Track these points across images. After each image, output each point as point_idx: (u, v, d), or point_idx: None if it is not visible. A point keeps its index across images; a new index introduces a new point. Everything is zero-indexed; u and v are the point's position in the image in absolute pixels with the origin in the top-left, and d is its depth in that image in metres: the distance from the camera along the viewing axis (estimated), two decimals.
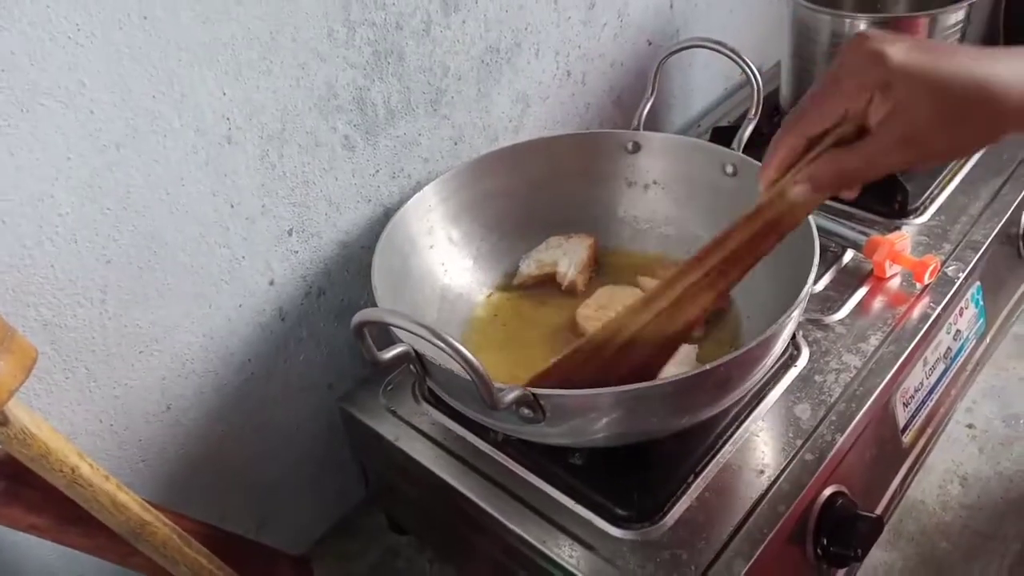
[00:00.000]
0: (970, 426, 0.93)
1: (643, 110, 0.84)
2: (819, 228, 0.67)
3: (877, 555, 0.81)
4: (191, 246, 0.65)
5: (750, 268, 0.58)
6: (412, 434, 0.73)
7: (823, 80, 0.50)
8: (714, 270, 0.58)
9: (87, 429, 0.64)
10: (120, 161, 0.58)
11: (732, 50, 0.77)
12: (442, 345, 0.50)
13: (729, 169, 0.78)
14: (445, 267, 0.81)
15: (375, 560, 0.87)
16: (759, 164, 0.74)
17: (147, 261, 0.62)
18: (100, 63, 0.55)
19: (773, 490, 0.65)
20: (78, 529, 0.58)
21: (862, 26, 0.93)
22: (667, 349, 0.64)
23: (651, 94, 0.84)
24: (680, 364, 0.69)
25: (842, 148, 0.49)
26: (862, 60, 0.47)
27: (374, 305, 0.66)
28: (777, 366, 0.73)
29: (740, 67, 0.76)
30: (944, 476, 0.88)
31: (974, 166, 0.97)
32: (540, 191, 0.85)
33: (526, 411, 0.56)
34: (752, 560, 0.60)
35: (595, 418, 0.59)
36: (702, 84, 1.16)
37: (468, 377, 0.52)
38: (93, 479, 0.55)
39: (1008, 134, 0.46)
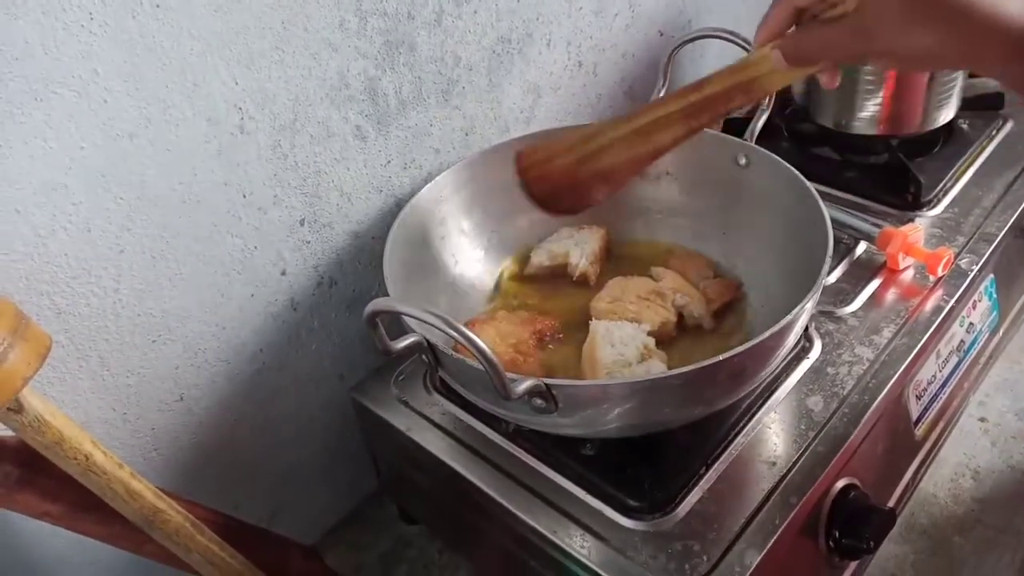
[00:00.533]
0: (982, 420, 0.92)
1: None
2: (832, 220, 0.67)
3: (889, 548, 0.81)
4: (204, 236, 0.65)
5: (718, 116, 0.62)
6: (423, 424, 0.73)
7: None
8: (689, 106, 0.62)
9: (100, 417, 0.64)
10: (133, 151, 0.58)
11: (745, 40, 0.77)
12: (455, 334, 0.50)
13: (742, 160, 0.78)
14: (456, 258, 0.81)
15: (386, 550, 0.87)
16: (772, 155, 0.74)
17: (160, 251, 0.62)
18: (113, 52, 0.55)
19: (785, 482, 0.64)
20: (92, 516, 0.59)
21: None
22: (634, 164, 0.66)
23: (663, 84, 0.84)
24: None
25: (821, 22, 0.54)
26: None
27: (385, 295, 0.66)
28: (789, 358, 0.73)
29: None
30: (956, 469, 0.88)
31: (988, 158, 0.97)
32: None
33: (538, 401, 0.56)
34: (764, 551, 0.60)
35: (607, 408, 0.58)
36: None
37: (481, 367, 0.52)
38: (107, 467, 0.55)
39: (977, 61, 0.49)
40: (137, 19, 0.55)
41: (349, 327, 0.80)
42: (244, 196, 0.66)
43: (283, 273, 0.72)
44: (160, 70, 0.58)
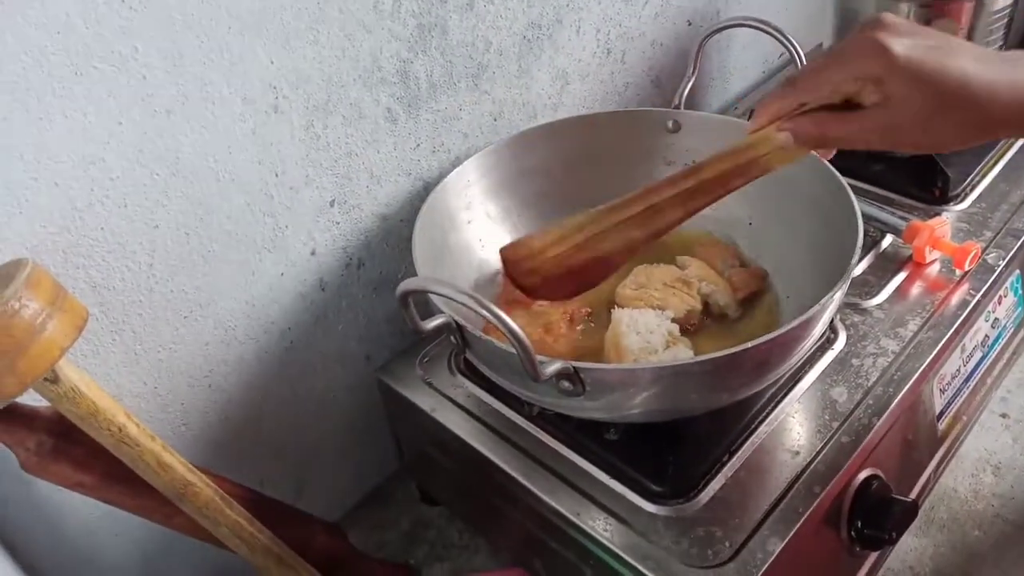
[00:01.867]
0: (1004, 415, 0.92)
1: (684, 89, 0.84)
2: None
3: (908, 541, 0.81)
4: (236, 214, 0.65)
5: (716, 199, 0.62)
6: (448, 406, 0.74)
7: (827, 54, 0.52)
8: (685, 192, 0.61)
9: (132, 391, 0.65)
10: (170, 127, 0.59)
11: (776, 29, 0.77)
12: (487, 314, 0.50)
13: None
14: (483, 242, 0.81)
15: (406, 529, 0.88)
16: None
17: (194, 227, 0.63)
18: (153, 29, 0.55)
19: (808, 471, 0.65)
20: (124, 488, 0.60)
21: (904, 9, 0.92)
22: (630, 249, 0.66)
23: (692, 73, 0.84)
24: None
25: (830, 113, 0.53)
26: (867, 48, 0.49)
27: (413, 277, 0.66)
28: (814, 349, 0.73)
29: (784, 46, 0.76)
30: (977, 465, 0.88)
31: (1016, 153, 0.96)
32: (578, 169, 0.84)
33: (566, 384, 0.56)
34: (786, 539, 0.60)
35: (634, 393, 0.59)
36: (740, 65, 1.16)
37: (510, 348, 0.53)
38: (140, 439, 0.56)
39: (995, 137, 0.51)
40: None
41: (376, 308, 0.81)
42: (276, 175, 0.67)
43: (313, 253, 0.73)
44: (198, 48, 0.58)
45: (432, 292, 0.53)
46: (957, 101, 0.48)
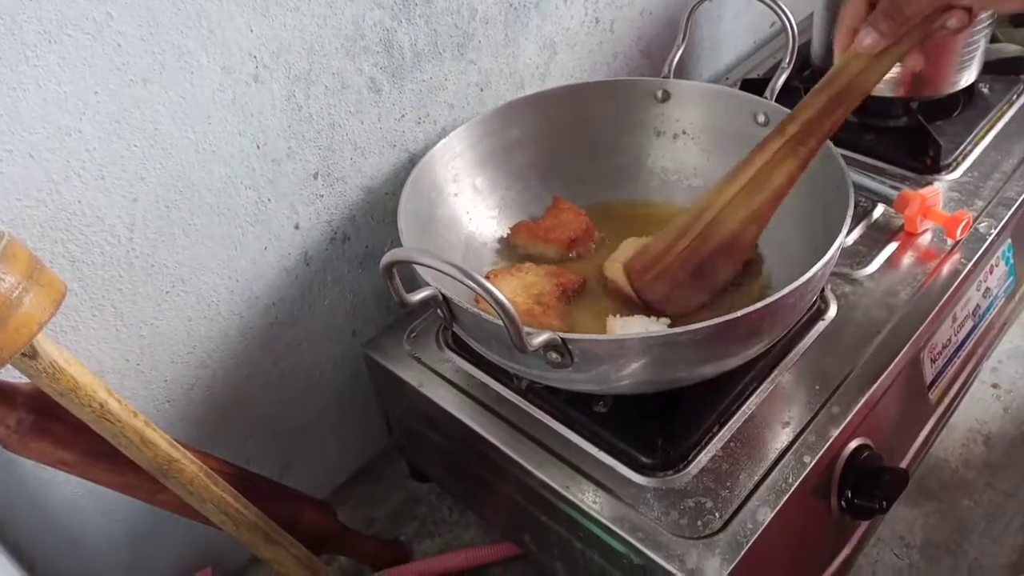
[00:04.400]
0: (995, 385, 0.92)
1: (673, 58, 0.82)
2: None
3: (898, 510, 0.81)
4: (217, 186, 0.64)
5: (825, 137, 0.61)
6: (436, 380, 0.73)
7: None
8: (792, 139, 0.61)
9: (113, 367, 0.64)
10: (147, 97, 0.57)
11: None
12: (473, 285, 0.49)
13: (761, 119, 0.77)
14: (470, 215, 0.80)
15: (396, 506, 0.87)
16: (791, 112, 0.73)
17: (173, 200, 0.62)
18: None
19: (799, 441, 0.64)
20: (106, 465, 0.59)
21: None
22: (757, 220, 0.64)
23: (682, 41, 0.82)
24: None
25: None
26: None
27: None
28: (805, 319, 0.72)
29: (776, 14, 0.74)
30: (967, 435, 0.88)
31: (1007, 123, 0.95)
32: (566, 140, 0.83)
33: (554, 355, 0.56)
34: (776, 509, 0.60)
35: (622, 364, 0.58)
36: (731, 36, 1.14)
37: (497, 320, 0.52)
38: (122, 415, 0.55)
39: None
40: None
41: (362, 283, 0.80)
42: (258, 147, 0.66)
43: (296, 227, 0.72)
44: (175, 15, 0.57)
45: (417, 263, 0.52)
46: None
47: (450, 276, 0.50)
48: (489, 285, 0.49)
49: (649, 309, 0.70)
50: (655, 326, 0.68)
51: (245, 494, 0.65)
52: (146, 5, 0.55)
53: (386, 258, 0.52)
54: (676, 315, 0.70)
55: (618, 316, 0.70)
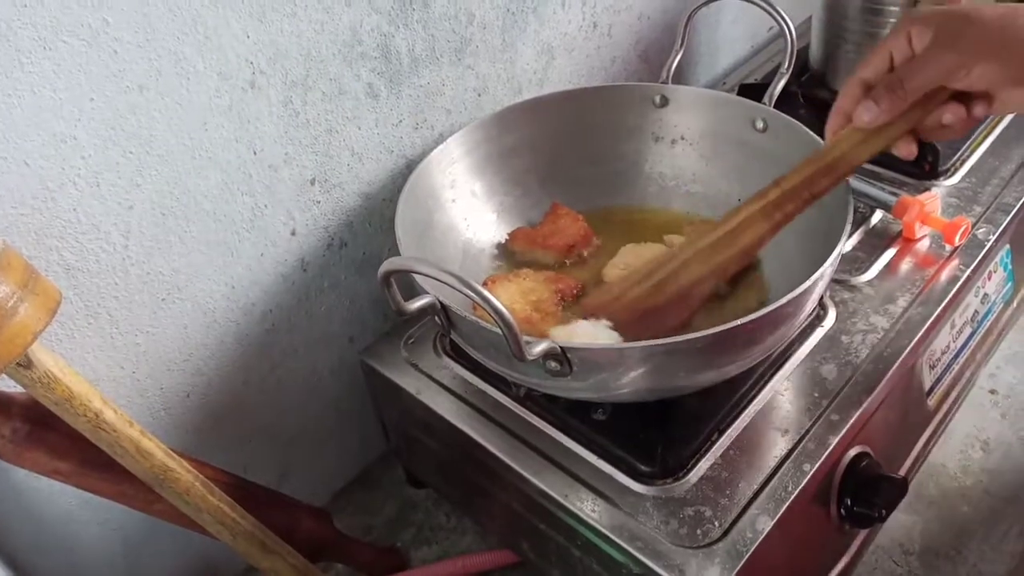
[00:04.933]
0: (993, 391, 0.92)
1: (672, 63, 0.82)
2: None
3: (897, 518, 0.81)
4: (214, 193, 0.64)
5: (806, 205, 0.62)
6: (433, 387, 0.73)
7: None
8: (770, 204, 0.63)
9: (109, 376, 0.64)
10: (143, 104, 0.57)
11: (767, 3, 0.75)
12: (471, 293, 0.49)
13: (759, 124, 0.77)
14: (468, 221, 0.80)
15: (393, 513, 0.87)
16: (791, 120, 0.73)
17: (169, 207, 0.62)
18: (123, 1, 0.53)
19: (798, 449, 0.64)
20: (102, 475, 0.58)
21: None
22: (719, 272, 0.66)
23: (680, 46, 0.82)
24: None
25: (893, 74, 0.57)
26: (900, 21, 0.56)
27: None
28: (804, 326, 0.72)
29: (774, 19, 0.74)
30: (966, 441, 0.88)
31: (1005, 128, 0.95)
32: (564, 145, 0.83)
33: (553, 364, 0.55)
34: (776, 518, 0.60)
35: (622, 372, 0.58)
36: (729, 40, 1.14)
37: (496, 329, 0.52)
38: (117, 424, 0.55)
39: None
40: None
41: (359, 289, 0.79)
42: (255, 153, 0.65)
43: (293, 233, 0.71)
44: (171, 21, 0.56)
45: (414, 272, 0.52)
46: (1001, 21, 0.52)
47: (448, 285, 0.50)
48: (487, 294, 0.49)
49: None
50: (602, 333, 0.68)
51: (242, 503, 0.65)
52: (142, 11, 0.54)
53: (384, 267, 0.52)
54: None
55: (562, 326, 0.70)
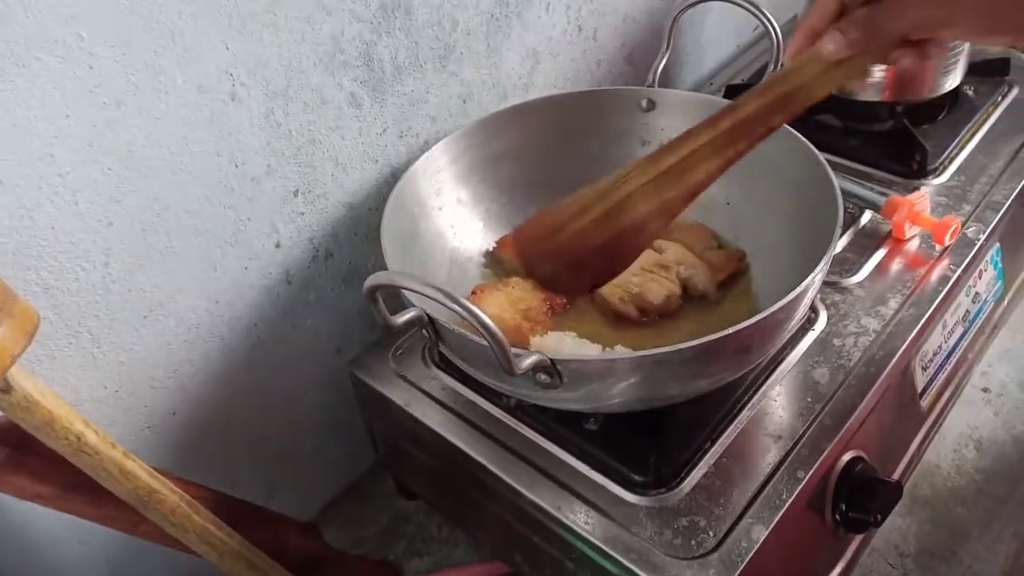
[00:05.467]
0: (985, 390, 0.92)
1: (658, 66, 0.81)
2: None
3: (892, 520, 0.80)
4: (195, 207, 0.63)
5: (757, 141, 0.56)
6: (423, 399, 0.72)
7: None
8: (722, 134, 0.56)
9: (92, 396, 0.63)
10: (121, 119, 0.56)
11: (752, 4, 0.75)
12: (459, 309, 0.48)
13: None
14: (455, 229, 0.79)
15: (385, 525, 0.86)
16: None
17: (150, 223, 0.60)
18: (99, 15, 0.52)
19: (792, 455, 0.64)
20: (85, 497, 0.57)
21: None
22: (666, 211, 0.59)
23: (666, 49, 0.82)
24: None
25: (875, 6, 0.49)
26: None
27: (383, 268, 0.64)
28: (795, 330, 0.71)
29: (761, 23, 0.74)
30: (959, 440, 0.87)
31: (993, 125, 0.95)
32: (551, 151, 0.82)
33: (543, 376, 0.55)
34: (771, 526, 0.59)
35: (613, 383, 0.57)
36: (714, 40, 1.14)
37: (484, 342, 0.51)
38: (100, 447, 0.54)
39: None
40: None
41: (346, 300, 0.78)
42: (236, 166, 0.64)
43: (277, 245, 0.70)
44: (148, 34, 0.55)
45: (400, 287, 0.51)
46: None
47: (434, 300, 0.49)
48: (474, 308, 0.48)
49: (536, 282, 0.64)
50: (581, 346, 0.67)
51: (228, 521, 0.64)
52: (118, 25, 0.53)
53: (369, 282, 0.51)
54: (561, 295, 0.64)
55: (538, 336, 0.68)
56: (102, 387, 0.63)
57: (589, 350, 0.66)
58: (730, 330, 0.54)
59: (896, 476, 0.75)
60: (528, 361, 0.52)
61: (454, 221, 0.79)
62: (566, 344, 0.66)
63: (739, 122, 0.56)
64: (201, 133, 0.61)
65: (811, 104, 0.54)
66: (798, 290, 0.56)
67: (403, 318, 0.56)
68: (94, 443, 0.53)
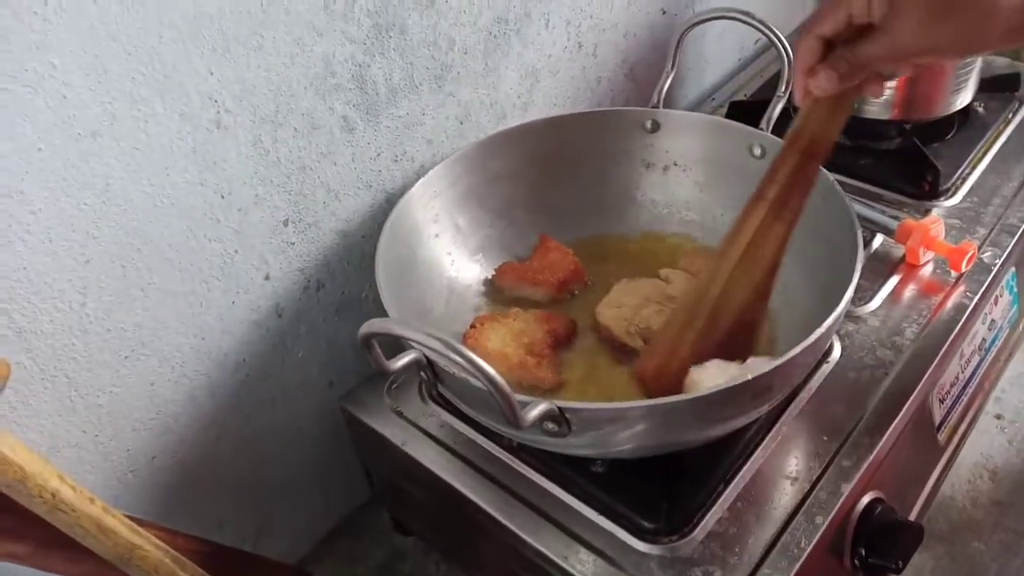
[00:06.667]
0: (999, 416, 0.89)
1: (663, 86, 0.78)
2: None
3: None
4: (178, 241, 0.59)
5: (807, 192, 0.60)
6: (419, 437, 0.68)
7: None
8: (776, 201, 0.60)
9: (69, 441, 0.59)
10: (97, 151, 0.52)
11: (761, 22, 0.72)
12: (461, 360, 0.45)
13: (757, 151, 0.73)
14: (452, 257, 0.75)
15: (380, 561, 0.83)
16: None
17: (130, 259, 0.57)
18: (72, 42, 0.49)
19: (809, 499, 0.61)
20: (63, 554, 0.54)
21: None
22: (761, 294, 0.62)
23: (671, 68, 0.78)
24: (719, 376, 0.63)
25: (849, 43, 0.54)
26: None
27: (377, 297, 0.61)
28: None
29: (771, 42, 0.71)
30: (973, 470, 0.84)
31: (1005, 143, 0.92)
32: (552, 173, 0.79)
33: (551, 426, 0.51)
34: None
35: (623, 429, 0.54)
36: (717, 55, 1.11)
37: (488, 391, 0.47)
38: (76, 503, 0.50)
39: (993, 45, 0.50)
40: (98, 4, 0.49)
41: (339, 332, 0.75)
42: (222, 197, 0.61)
43: (267, 277, 0.67)
44: (125, 60, 0.52)
45: (396, 335, 0.47)
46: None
47: (433, 350, 0.46)
48: (479, 360, 0.45)
49: None
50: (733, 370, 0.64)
51: (216, 572, 0.60)
52: (93, 52, 0.50)
53: (363, 330, 0.48)
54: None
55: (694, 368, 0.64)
56: (81, 432, 0.59)
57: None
58: (749, 376, 0.51)
59: (914, 514, 0.72)
60: (535, 412, 0.49)
61: (452, 248, 0.76)
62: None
63: (783, 186, 0.59)
64: (184, 163, 0.57)
65: (833, 143, 0.58)
66: (820, 331, 0.53)
67: (400, 362, 0.53)
68: (71, 500, 0.50)
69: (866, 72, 0.54)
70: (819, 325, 0.53)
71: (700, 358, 0.60)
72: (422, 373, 0.56)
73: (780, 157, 0.60)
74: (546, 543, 0.60)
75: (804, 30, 0.55)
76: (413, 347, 0.54)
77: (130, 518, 0.55)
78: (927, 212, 0.83)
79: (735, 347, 0.62)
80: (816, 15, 0.55)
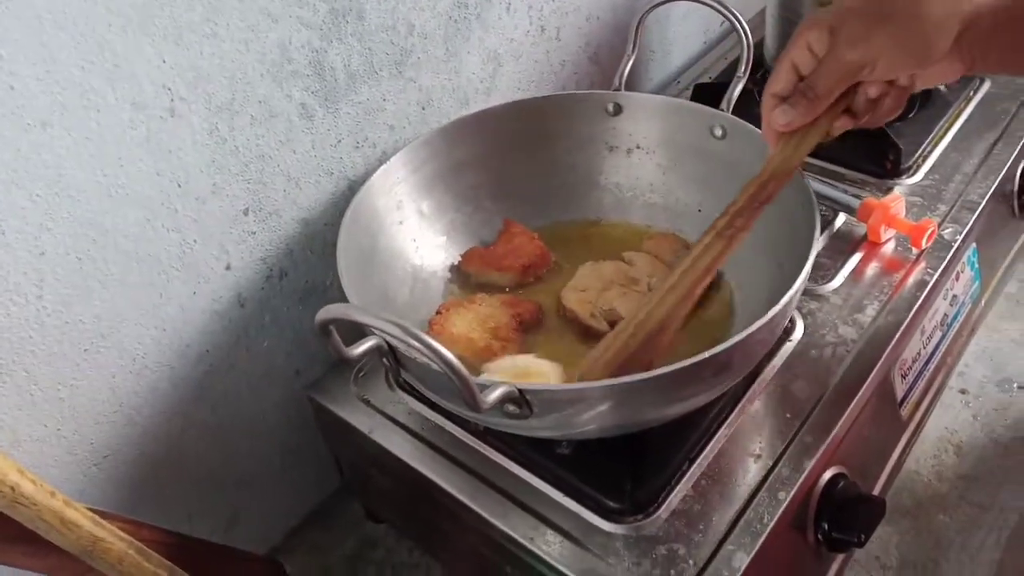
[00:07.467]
0: (963, 391, 0.90)
1: (624, 69, 0.78)
2: None
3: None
4: (135, 231, 0.59)
5: (758, 212, 0.61)
6: (387, 424, 0.68)
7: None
8: (723, 226, 0.61)
9: (31, 436, 0.58)
10: (47, 141, 0.52)
11: (719, 2, 0.72)
12: (418, 345, 0.45)
13: (718, 132, 0.73)
14: (416, 244, 0.75)
15: (352, 551, 0.83)
16: (750, 127, 0.70)
17: (86, 251, 0.56)
18: (17, 31, 0.48)
19: (772, 475, 0.61)
20: (24, 548, 0.53)
21: None
22: (688, 296, 0.62)
23: (632, 51, 0.79)
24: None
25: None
26: (796, 31, 0.56)
27: (339, 288, 0.60)
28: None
29: (730, 23, 0.71)
30: (938, 445, 0.86)
31: (966, 121, 0.93)
32: (515, 158, 0.79)
33: (512, 408, 0.51)
34: (753, 553, 0.57)
35: (584, 410, 0.54)
36: (681, 38, 1.11)
37: (445, 374, 0.47)
38: (37, 497, 0.50)
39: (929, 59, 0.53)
40: None
41: (303, 320, 0.74)
42: (179, 186, 0.60)
43: (228, 267, 0.66)
44: (74, 49, 0.51)
45: (353, 320, 0.47)
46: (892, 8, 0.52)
47: (391, 335, 0.46)
48: (436, 344, 0.45)
49: None
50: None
51: (184, 564, 0.60)
52: (40, 41, 0.49)
53: (320, 316, 0.48)
54: None
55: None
56: (42, 426, 0.59)
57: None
58: (707, 353, 0.51)
59: (877, 488, 0.73)
60: (495, 394, 0.49)
61: (416, 235, 0.75)
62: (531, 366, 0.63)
63: (734, 213, 0.61)
64: (138, 152, 0.57)
65: (793, 172, 0.61)
66: (777, 307, 0.54)
67: (360, 348, 0.52)
68: (31, 493, 0.49)
69: (826, 101, 0.56)
70: (777, 303, 0.54)
71: (626, 359, 0.60)
72: (384, 360, 0.56)
73: (743, 189, 0.61)
74: (513, 525, 0.60)
75: (764, 96, 0.59)
76: (373, 333, 0.54)
77: (93, 511, 0.54)
78: (889, 190, 0.84)
79: (651, 349, 0.61)
80: (768, 82, 0.58)
